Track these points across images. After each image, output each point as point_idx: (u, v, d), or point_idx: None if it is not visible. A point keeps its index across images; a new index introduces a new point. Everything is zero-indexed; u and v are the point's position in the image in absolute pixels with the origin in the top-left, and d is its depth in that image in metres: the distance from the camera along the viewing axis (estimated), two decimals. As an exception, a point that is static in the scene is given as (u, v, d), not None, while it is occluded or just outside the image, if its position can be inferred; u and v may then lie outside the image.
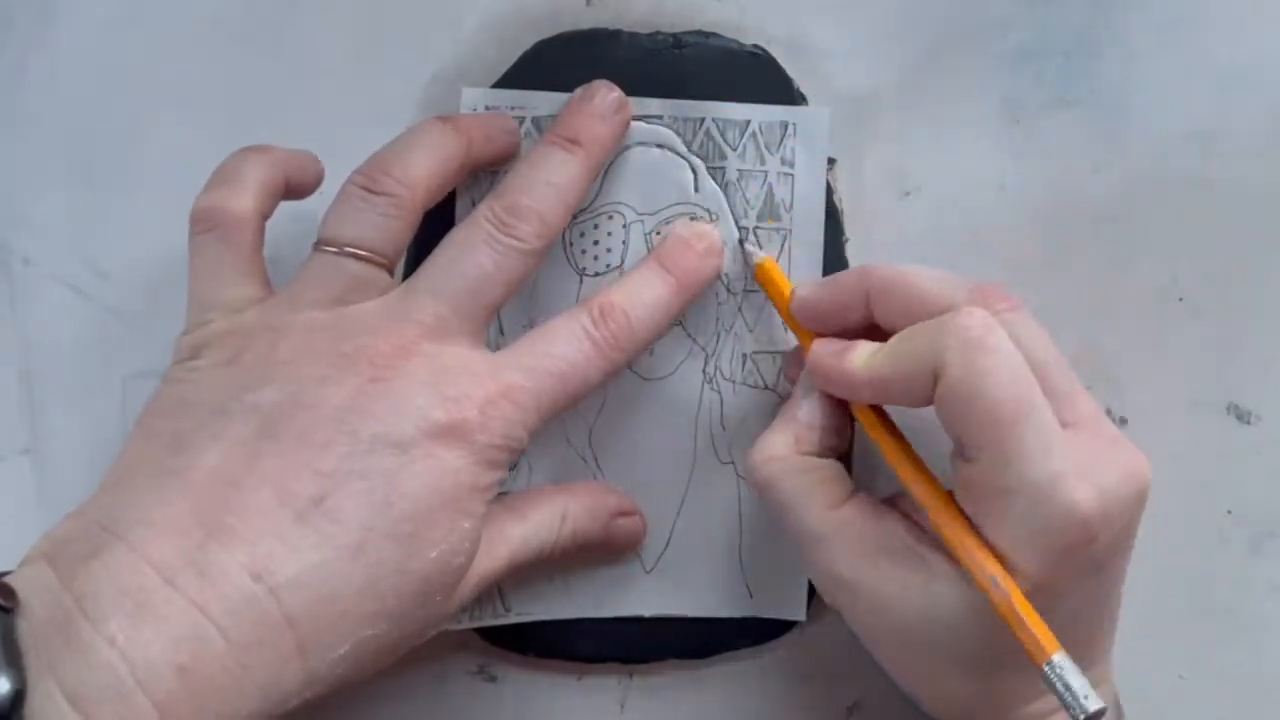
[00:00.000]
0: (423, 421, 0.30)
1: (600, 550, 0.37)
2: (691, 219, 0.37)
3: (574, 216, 0.36)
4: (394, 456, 0.30)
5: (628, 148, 0.37)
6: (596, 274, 0.37)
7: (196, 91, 0.38)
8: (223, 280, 0.32)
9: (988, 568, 0.29)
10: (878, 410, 0.34)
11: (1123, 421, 0.40)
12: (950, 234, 0.39)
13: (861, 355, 0.32)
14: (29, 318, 0.38)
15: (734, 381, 0.38)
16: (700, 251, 0.36)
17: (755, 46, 0.38)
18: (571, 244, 0.37)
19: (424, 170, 0.33)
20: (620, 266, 0.37)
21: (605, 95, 0.35)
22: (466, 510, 0.31)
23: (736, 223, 0.37)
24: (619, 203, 0.37)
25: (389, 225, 0.32)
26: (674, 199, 0.37)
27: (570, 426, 0.37)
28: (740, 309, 0.38)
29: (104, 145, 0.38)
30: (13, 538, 0.38)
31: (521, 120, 0.36)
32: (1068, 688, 0.28)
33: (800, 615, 0.38)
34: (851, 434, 0.35)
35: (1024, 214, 0.39)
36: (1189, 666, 0.40)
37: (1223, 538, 0.40)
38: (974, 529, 0.30)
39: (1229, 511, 0.40)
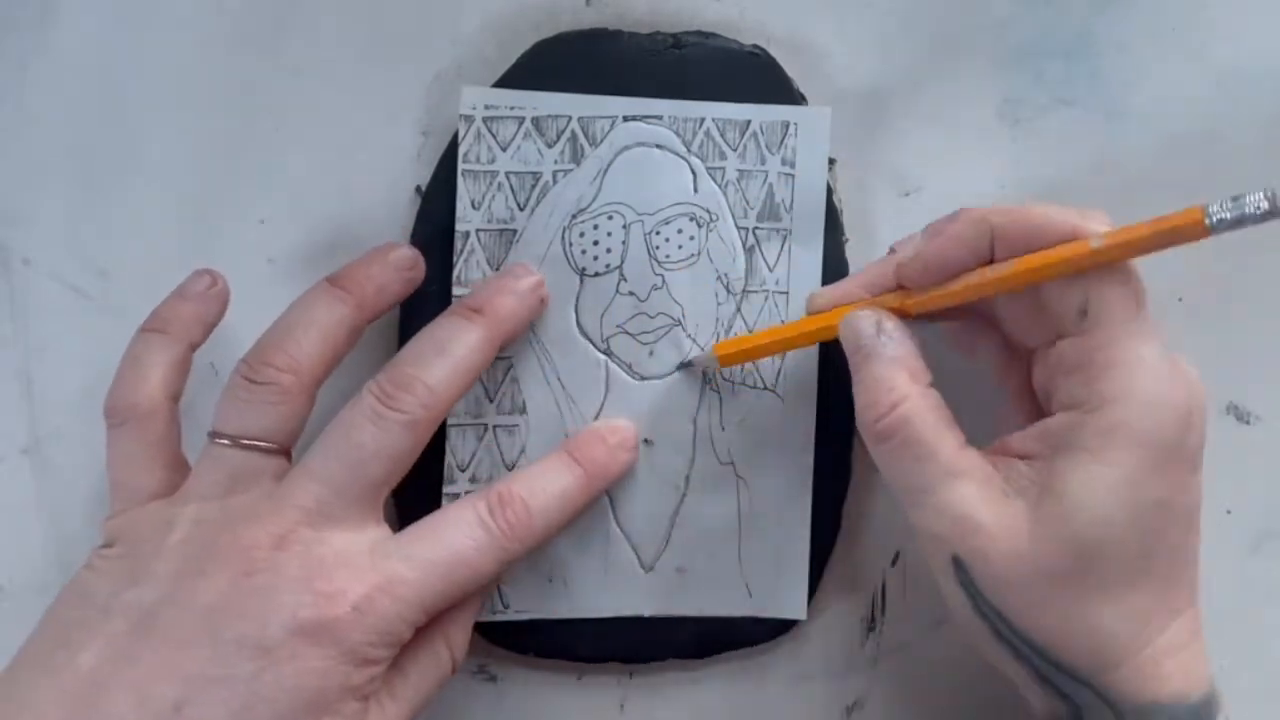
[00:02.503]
0: (290, 621, 0.30)
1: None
2: (691, 219, 0.37)
3: (573, 216, 0.37)
4: (256, 660, 0.29)
5: (627, 148, 0.37)
6: (596, 274, 0.37)
7: (196, 91, 0.38)
8: (133, 470, 0.34)
9: (1088, 227, 0.30)
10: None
11: (1123, 421, 0.40)
12: (950, 234, 0.39)
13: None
14: (29, 318, 0.38)
15: (734, 381, 0.38)
16: (612, 445, 0.36)
17: (755, 46, 0.38)
18: (571, 244, 0.37)
19: (307, 350, 0.33)
20: (620, 267, 0.37)
21: (526, 276, 0.36)
22: (335, 710, 0.30)
23: (736, 223, 0.37)
24: (619, 203, 0.37)
25: (275, 413, 0.32)
26: (674, 199, 0.37)
27: (570, 426, 0.37)
28: (740, 309, 0.38)
29: (104, 145, 0.38)
30: (13, 538, 0.38)
31: (521, 120, 0.36)
32: (1238, 201, 0.28)
33: (800, 615, 0.38)
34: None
35: (1024, 214, 0.39)
36: (1189, 666, 0.40)
37: (1223, 538, 0.40)
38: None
39: (1229, 511, 0.40)
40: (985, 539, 0.31)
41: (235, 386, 0.33)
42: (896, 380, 0.32)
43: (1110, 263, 0.30)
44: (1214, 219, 0.29)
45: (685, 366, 0.37)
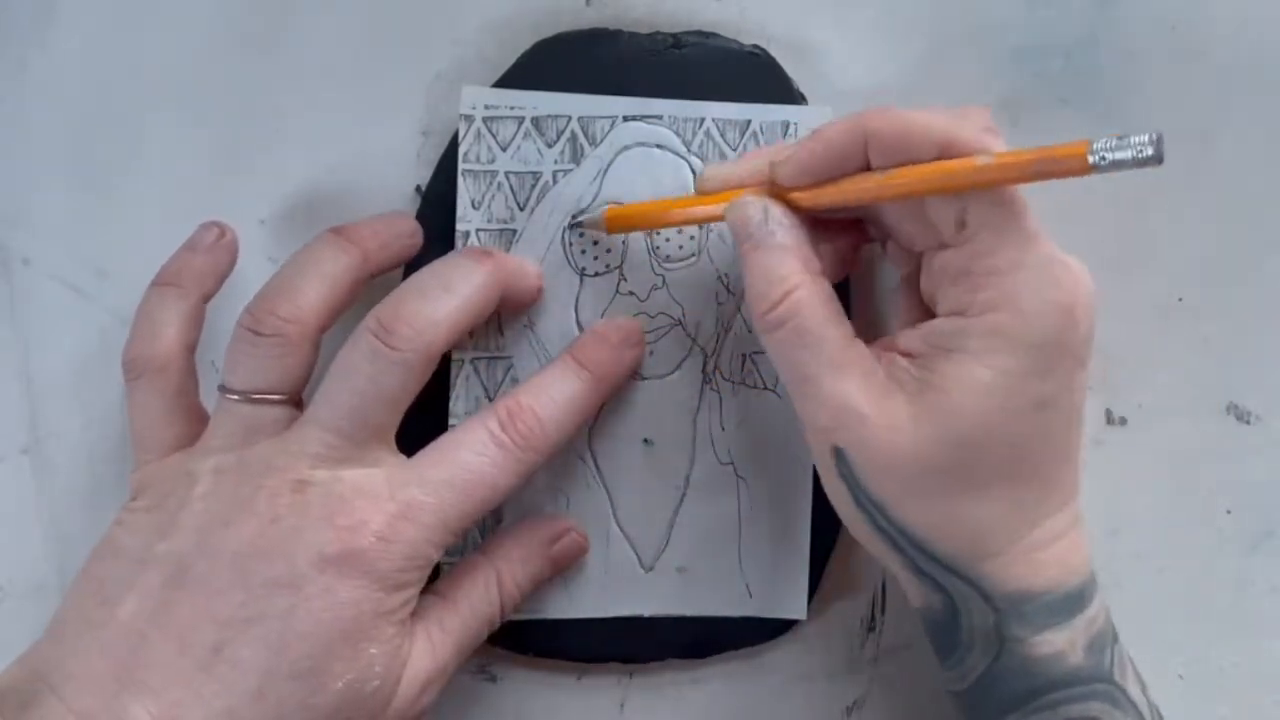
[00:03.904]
0: (316, 558, 0.30)
1: (550, 575, 0.37)
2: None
3: (573, 216, 0.37)
4: (288, 597, 0.30)
5: (627, 148, 0.37)
6: (596, 274, 0.37)
7: (196, 91, 0.38)
8: (153, 423, 0.34)
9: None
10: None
11: (1123, 421, 0.40)
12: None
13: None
14: (29, 318, 0.38)
15: (734, 381, 0.38)
16: (615, 344, 0.36)
17: (755, 46, 0.38)
18: (571, 244, 0.37)
19: (312, 299, 0.33)
20: (620, 267, 0.37)
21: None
22: (371, 638, 0.31)
23: (736, 223, 0.37)
24: (619, 203, 0.37)
25: (281, 365, 0.33)
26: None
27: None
28: (740, 309, 0.38)
29: (104, 145, 0.38)
30: (13, 538, 0.38)
31: (521, 120, 0.36)
32: (1123, 141, 0.28)
33: (800, 614, 0.38)
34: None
35: (1024, 214, 0.39)
36: (1189, 666, 0.40)
37: (1223, 538, 0.40)
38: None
39: (1229, 511, 0.40)
40: (866, 430, 0.31)
41: (241, 339, 0.33)
42: (786, 269, 0.32)
43: (991, 184, 0.30)
44: (1097, 156, 0.28)
45: (575, 225, 0.37)
